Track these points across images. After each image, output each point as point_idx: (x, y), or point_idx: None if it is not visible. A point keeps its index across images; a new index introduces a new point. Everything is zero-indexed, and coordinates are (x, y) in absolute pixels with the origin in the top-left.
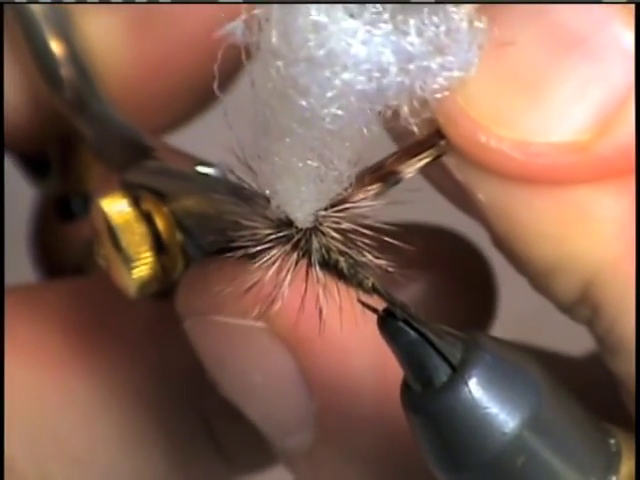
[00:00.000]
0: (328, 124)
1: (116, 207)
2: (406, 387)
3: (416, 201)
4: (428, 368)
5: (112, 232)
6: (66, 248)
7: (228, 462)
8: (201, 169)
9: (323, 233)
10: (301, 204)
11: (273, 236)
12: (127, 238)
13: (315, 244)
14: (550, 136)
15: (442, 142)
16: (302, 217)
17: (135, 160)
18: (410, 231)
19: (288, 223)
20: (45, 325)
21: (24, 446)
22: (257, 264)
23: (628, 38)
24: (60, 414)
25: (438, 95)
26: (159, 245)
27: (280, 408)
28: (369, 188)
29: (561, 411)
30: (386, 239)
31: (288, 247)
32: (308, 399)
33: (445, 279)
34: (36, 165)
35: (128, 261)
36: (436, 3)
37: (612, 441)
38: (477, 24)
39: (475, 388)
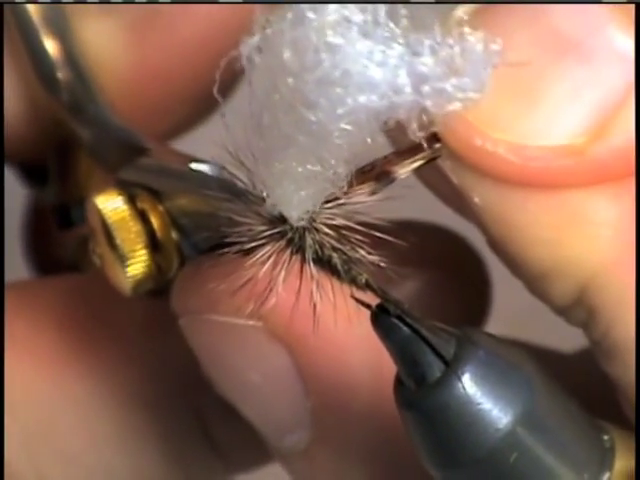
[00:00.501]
0: (336, 138)
1: (111, 205)
2: (399, 383)
3: (410, 198)
4: (421, 364)
5: (107, 230)
6: (63, 252)
7: (224, 460)
8: (196, 167)
9: (317, 230)
10: (298, 204)
11: (267, 233)
12: (122, 236)
13: (309, 240)
14: (545, 139)
15: (438, 145)
16: (296, 215)
17: (131, 161)
18: (404, 228)
19: (282, 220)
20: (42, 322)
21: (21, 447)
22: (251, 260)
23: (622, 41)
24: (58, 413)
25: (450, 113)
26: (154, 243)
27: (277, 406)
28: (363, 186)
29: (554, 407)
30: (380, 236)
31: (282, 243)
32: (304, 397)
33: (439, 276)
34: (35, 173)
35: (123, 259)
36: (437, 3)
37: (606, 437)
38: (492, 46)
39: (468, 384)
